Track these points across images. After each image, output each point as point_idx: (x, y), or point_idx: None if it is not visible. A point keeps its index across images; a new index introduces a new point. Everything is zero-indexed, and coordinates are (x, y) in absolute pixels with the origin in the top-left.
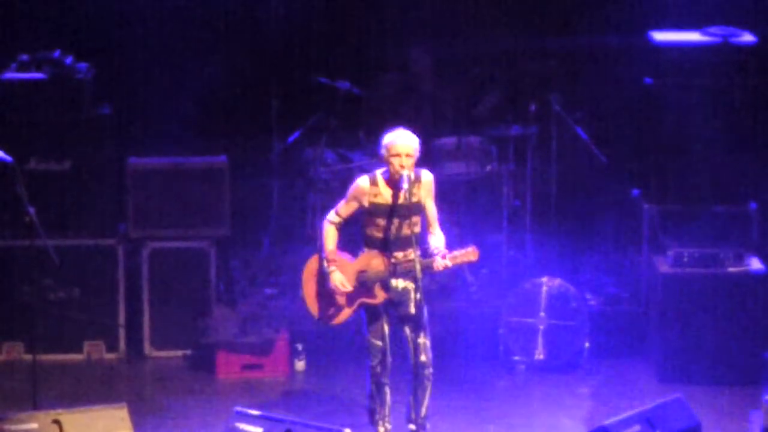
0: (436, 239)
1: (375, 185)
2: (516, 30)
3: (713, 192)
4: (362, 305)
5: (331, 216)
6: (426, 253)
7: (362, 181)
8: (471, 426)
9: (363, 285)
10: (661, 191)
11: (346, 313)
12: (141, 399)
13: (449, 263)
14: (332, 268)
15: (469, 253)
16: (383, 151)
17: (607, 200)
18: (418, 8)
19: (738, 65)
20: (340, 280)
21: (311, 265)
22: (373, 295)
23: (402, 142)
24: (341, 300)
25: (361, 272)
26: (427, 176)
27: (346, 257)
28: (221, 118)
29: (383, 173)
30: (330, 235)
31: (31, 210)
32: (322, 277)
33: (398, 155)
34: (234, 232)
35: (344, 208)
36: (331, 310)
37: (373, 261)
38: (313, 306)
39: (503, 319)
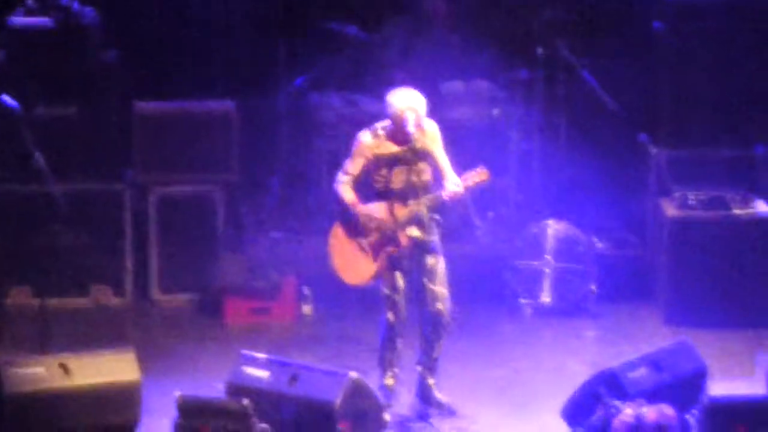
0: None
1: (377, 137)
2: None
3: (720, 136)
4: (388, 256)
5: (340, 177)
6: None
7: (364, 136)
8: (477, 369)
9: (384, 235)
10: (668, 135)
11: (375, 268)
12: (148, 343)
13: (460, 188)
14: (357, 209)
15: (479, 173)
16: (389, 110)
17: (614, 144)
18: None
19: (747, 10)
20: (367, 212)
21: (335, 233)
22: (397, 242)
23: (407, 102)
24: (373, 238)
25: (383, 222)
26: (430, 125)
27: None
28: (228, 62)
29: (384, 126)
30: (346, 191)
31: (38, 155)
32: (349, 235)
33: (403, 114)
34: (242, 176)
35: (351, 166)
36: (363, 271)
37: (394, 209)
38: (345, 273)
39: (510, 262)
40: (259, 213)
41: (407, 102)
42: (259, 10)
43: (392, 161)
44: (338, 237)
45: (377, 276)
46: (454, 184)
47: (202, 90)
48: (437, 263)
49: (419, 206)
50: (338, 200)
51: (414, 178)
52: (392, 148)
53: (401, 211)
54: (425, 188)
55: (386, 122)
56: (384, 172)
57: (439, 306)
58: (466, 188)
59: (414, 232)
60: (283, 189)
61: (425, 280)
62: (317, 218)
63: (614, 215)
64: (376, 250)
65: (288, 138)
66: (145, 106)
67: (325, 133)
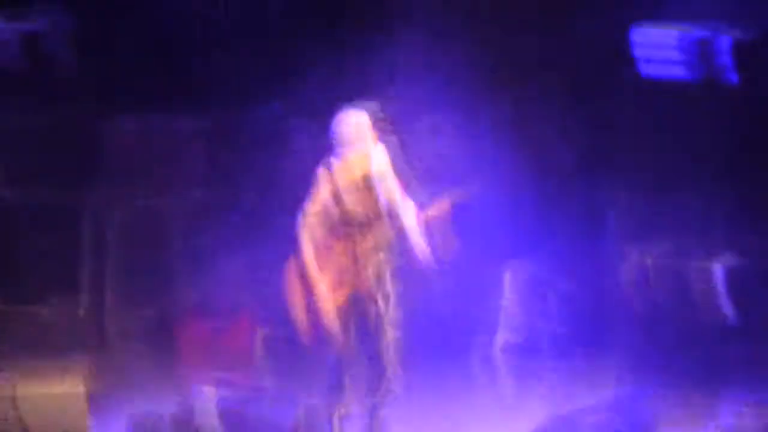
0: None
1: (331, 170)
2: None
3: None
4: (347, 296)
5: (302, 221)
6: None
7: (320, 172)
8: (429, 406)
9: (344, 276)
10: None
11: (335, 307)
12: (103, 357)
13: (426, 253)
14: (314, 284)
15: (443, 204)
16: (338, 138)
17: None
18: None
19: None
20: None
21: (292, 271)
22: (357, 283)
23: (357, 132)
24: (333, 278)
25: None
26: (379, 148)
27: None
28: (203, 80)
29: (337, 156)
30: (308, 247)
31: None
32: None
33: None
34: (208, 196)
35: (312, 206)
36: (323, 309)
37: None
38: (304, 310)
39: (475, 301)
40: (224, 235)
41: (357, 132)
42: (239, 29)
43: (350, 190)
44: (296, 275)
45: (336, 315)
46: (421, 249)
47: (175, 106)
48: (388, 304)
49: (378, 248)
50: (298, 245)
51: (371, 205)
52: (348, 177)
53: (362, 246)
54: (381, 215)
55: (336, 152)
56: (345, 202)
57: (387, 346)
58: (429, 222)
59: (371, 272)
60: (250, 213)
61: (376, 320)
62: (281, 245)
63: (577, 260)
64: (335, 290)
65: (259, 161)
66: (114, 120)
67: (296, 159)
